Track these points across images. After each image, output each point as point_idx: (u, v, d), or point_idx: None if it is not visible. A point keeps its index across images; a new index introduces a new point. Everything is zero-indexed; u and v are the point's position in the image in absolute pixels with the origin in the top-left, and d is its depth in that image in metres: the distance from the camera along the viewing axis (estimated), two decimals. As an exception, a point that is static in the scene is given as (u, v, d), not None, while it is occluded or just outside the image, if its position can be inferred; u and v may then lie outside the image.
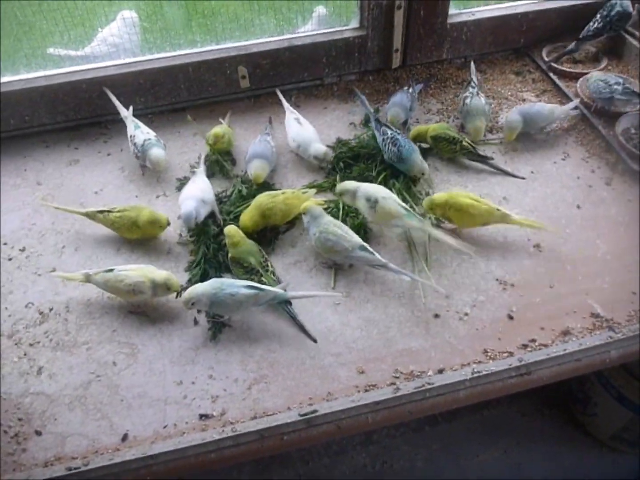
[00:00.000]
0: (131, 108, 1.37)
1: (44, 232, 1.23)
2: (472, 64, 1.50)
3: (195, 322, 1.07)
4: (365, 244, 1.10)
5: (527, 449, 1.77)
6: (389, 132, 1.28)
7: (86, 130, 1.44)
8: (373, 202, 1.14)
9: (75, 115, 1.42)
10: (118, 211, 1.17)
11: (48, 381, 1.00)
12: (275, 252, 1.18)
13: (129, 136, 1.33)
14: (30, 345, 1.05)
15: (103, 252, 1.18)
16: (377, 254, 1.08)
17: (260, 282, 1.06)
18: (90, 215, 1.20)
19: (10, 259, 1.18)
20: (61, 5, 1.30)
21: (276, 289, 1.01)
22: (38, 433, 0.93)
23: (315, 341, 1.03)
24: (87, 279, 1.07)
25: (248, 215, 1.16)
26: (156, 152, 1.28)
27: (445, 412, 1.83)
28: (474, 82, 1.44)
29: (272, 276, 1.08)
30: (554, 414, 1.84)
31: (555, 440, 1.78)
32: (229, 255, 1.10)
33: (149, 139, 1.29)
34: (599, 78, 1.40)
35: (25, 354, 1.04)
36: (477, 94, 1.40)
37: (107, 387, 0.99)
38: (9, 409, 0.97)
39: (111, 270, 1.05)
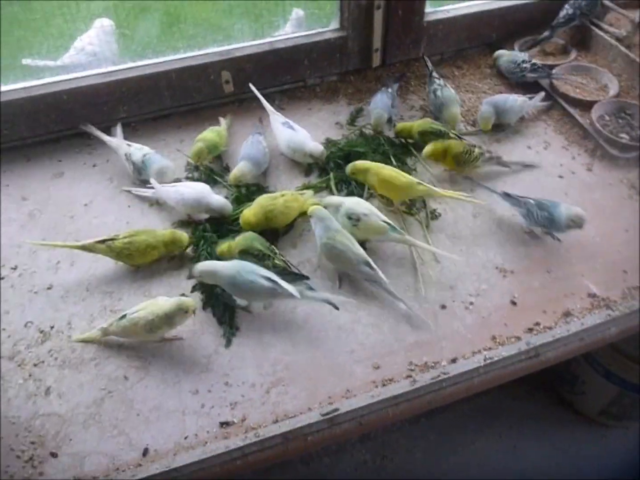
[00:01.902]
0: (119, 128, 1.34)
1: (35, 248, 1.19)
2: (425, 58, 1.57)
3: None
4: (370, 260, 1.08)
5: (520, 431, 1.83)
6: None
7: (69, 141, 1.40)
8: (355, 220, 1.13)
9: (56, 126, 1.38)
10: (124, 237, 1.09)
11: (58, 401, 0.97)
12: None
13: (123, 155, 1.29)
14: (35, 365, 1.01)
15: (101, 264, 1.15)
16: (379, 272, 1.07)
17: (274, 265, 1.07)
18: (89, 248, 1.11)
19: (2, 278, 1.14)
20: (38, 15, 1.26)
21: (293, 289, 1.01)
22: (54, 455, 0.91)
23: (337, 308, 1.05)
24: (105, 332, 1.01)
25: (252, 212, 1.15)
26: (163, 164, 1.27)
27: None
28: (435, 74, 1.48)
29: (282, 258, 1.09)
30: (543, 395, 1.90)
31: (546, 421, 1.85)
32: (238, 252, 1.09)
33: (147, 154, 1.27)
34: (508, 59, 1.53)
35: (30, 375, 1.00)
36: (445, 84, 1.45)
37: (121, 402, 0.96)
38: (19, 432, 0.93)
39: (124, 316, 0.99)
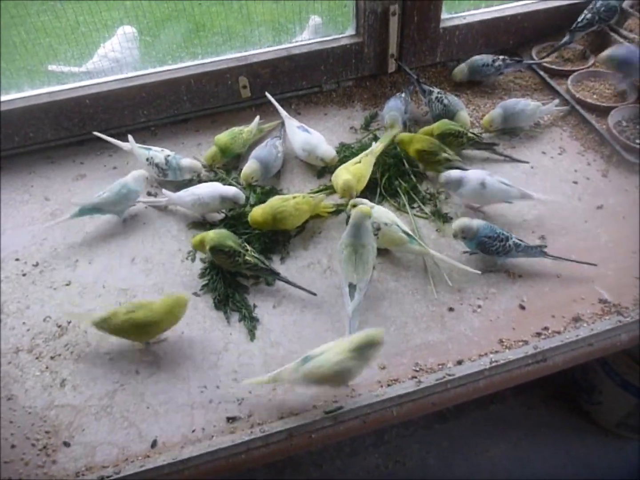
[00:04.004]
0: (131, 138, 1.34)
1: (56, 246, 1.24)
2: (405, 68, 1.55)
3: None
4: (359, 285, 1.03)
5: (535, 441, 1.80)
6: None
7: (91, 144, 1.45)
8: (375, 229, 1.13)
9: (79, 130, 1.43)
10: (125, 312, 1.01)
11: (72, 393, 1.00)
12: (289, 255, 1.20)
13: (144, 160, 1.32)
14: (52, 358, 1.05)
15: (117, 262, 1.19)
16: (354, 302, 1.02)
17: (245, 262, 1.10)
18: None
19: (24, 274, 1.19)
20: (62, 22, 1.31)
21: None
22: (66, 444, 0.94)
23: (314, 294, 1.10)
24: (276, 379, 0.94)
25: (261, 211, 1.18)
26: (189, 160, 1.31)
27: (453, 408, 1.86)
28: (428, 85, 1.48)
29: (254, 255, 1.11)
30: (559, 404, 1.87)
31: (562, 431, 1.82)
32: (208, 248, 1.11)
33: (169, 154, 1.31)
34: (478, 63, 1.55)
35: (47, 367, 1.04)
36: (444, 92, 1.46)
37: (133, 395, 1.00)
38: (34, 422, 0.97)
39: (307, 358, 0.92)
